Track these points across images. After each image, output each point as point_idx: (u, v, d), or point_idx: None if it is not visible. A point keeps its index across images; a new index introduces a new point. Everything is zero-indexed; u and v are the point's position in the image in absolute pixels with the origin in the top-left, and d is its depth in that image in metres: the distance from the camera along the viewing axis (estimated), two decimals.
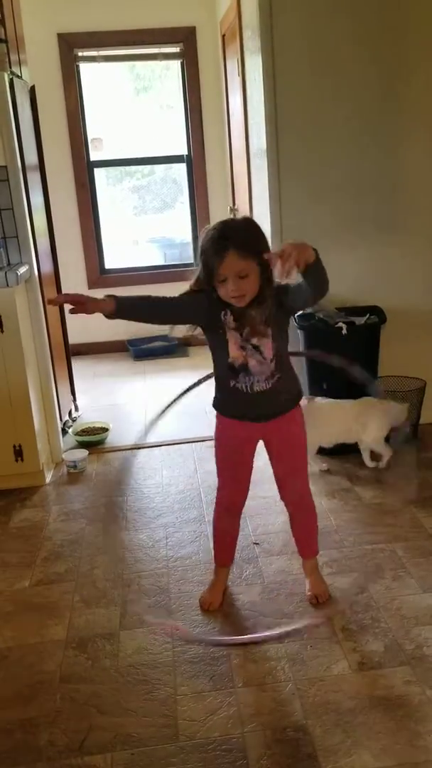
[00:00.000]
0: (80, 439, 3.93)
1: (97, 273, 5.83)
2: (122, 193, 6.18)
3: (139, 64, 5.84)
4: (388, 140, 3.49)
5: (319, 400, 3.32)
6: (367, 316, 3.37)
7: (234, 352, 2.12)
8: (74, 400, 4.41)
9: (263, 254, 1.93)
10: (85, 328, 5.04)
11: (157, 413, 2.44)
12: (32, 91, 3.85)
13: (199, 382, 2.40)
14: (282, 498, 2.42)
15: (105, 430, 4.00)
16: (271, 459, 2.36)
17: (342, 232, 3.56)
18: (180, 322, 2.18)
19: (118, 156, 5.87)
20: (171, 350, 5.62)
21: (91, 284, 5.73)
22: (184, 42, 5.49)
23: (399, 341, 3.58)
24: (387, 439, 3.34)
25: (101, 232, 5.87)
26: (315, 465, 3.40)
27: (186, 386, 2.39)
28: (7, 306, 3.19)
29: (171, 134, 5.82)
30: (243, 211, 4.64)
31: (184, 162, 5.84)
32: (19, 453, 3.37)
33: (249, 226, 2.07)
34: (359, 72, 3.41)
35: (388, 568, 2.58)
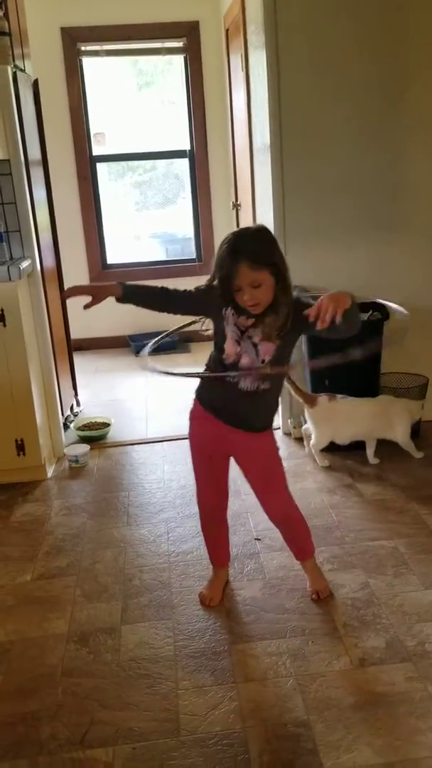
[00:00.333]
0: (82, 434, 3.93)
1: (99, 268, 5.83)
2: (124, 188, 6.17)
3: (141, 59, 5.83)
4: (390, 139, 3.49)
5: (340, 398, 3.34)
6: (370, 312, 3.36)
7: (229, 348, 2.12)
8: (76, 395, 4.41)
9: (305, 311, 1.93)
10: (86, 323, 5.04)
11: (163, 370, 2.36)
12: (35, 85, 3.84)
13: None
14: (267, 515, 2.41)
15: (107, 425, 4.00)
16: (246, 478, 2.36)
17: (345, 230, 3.56)
18: (182, 312, 2.20)
19: (120, 151, 5.86)
20: (173, 346, 5.61)
21: (93, 279, 5.72)
22: (187, 37, 5.48)
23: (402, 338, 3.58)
24: None
25: (103, 227, 5.87)
26: (320, 461, 3.42)
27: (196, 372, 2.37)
28: (10, 300, 3.19)
29: (173, 130, 5.81)
30: (245, 207, 4.64)
31: (186, 157, 5.83)
32: (21, 447, 3.37)
33: (260, 236, 2.07)
34: (362, 70, 3.40)
35: (389, 564, 2.58)
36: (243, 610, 2.39)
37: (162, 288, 2.15)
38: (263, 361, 2.11)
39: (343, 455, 3.47)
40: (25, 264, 3.31)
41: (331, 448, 3.45)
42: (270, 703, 1.97)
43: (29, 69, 3.86)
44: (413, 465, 3.38)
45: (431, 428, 3.69)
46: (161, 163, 6.09)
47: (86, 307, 2.06)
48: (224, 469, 2.35)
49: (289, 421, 3.79)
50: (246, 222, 4.66)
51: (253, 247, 2.00)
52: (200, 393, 2.29)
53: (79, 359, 4.68)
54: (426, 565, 2.56)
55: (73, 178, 5.61)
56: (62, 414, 3.85)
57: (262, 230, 2.11)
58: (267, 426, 2.28)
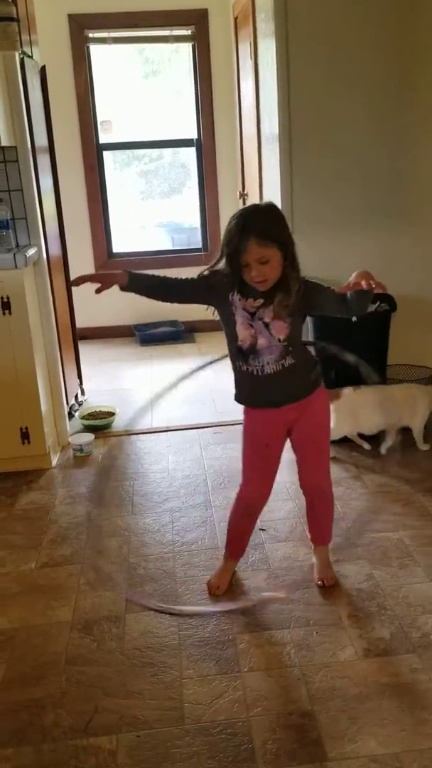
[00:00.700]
0: (87, 423, 3.92)
1: (105, 257, 5.81)
2: (130, 177, 6.15)
3: (148, 47, 5.79)
4: (400, 128, 3.47)
5: (364, 388, 3.33)
6: (378, 303, 3.35)
7: (242, 333, 2.13)
8: (81, 384, 4.40)
9: (331, 288, 2.01)
10: (91, 312, 5.03)
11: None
12: (42, 72, 3.82)
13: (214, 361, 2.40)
14: (301, 485, 2.42)
15: (111, 414, 4.00)
16: (293, 445, 2.35)
17: (353, 219, 3.55)
18: (188, 301, 2.20)
19: (126, 139, 5.83)
20: (177, 336, 5.61)
21: (99, 268, 5.71)
22: (195, 25, 5.44)
23: (409, 330, 3.57)
24: None
25: (109, 216, 5.84)
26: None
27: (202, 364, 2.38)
28: (15, 288, 3.18)
29: (181, 118, 5.78)
30: (252, 197, 4.62)
31: (193, 146, 5.80)
32: (25, 435, 3.37)
33: (269, 213, 2.08)
34: (372, 58, 3.38)
35: (394, 556, 2.58)
36: (247, 600, 2.39)
37: (165, 276, 2.17)
38: (279, 340, 2.12)
39: (349, 447, 3.46)
40: (31, 252, 3.30)
41: (338, 440, 3.43)
42: (274, 692, 1.97)
43: (36, 55, 3.83)
44: (419, 457, 3.37)
45: None
46: (167, 152, 6.06)
47: (98, 291, 2.07)
48: (277, 459, 2.34)
49: None
50: None
51: (262, 223, 2.01)
52: (240, 398, 2.29)
53: (83, 348, 4.67)
54: (431, 557, 2.55)
55: (80, 166, 5.59)
56: (67, 403, 3.85)
57: (271, 207, 2.12)
58: (315, 385, 2.26)
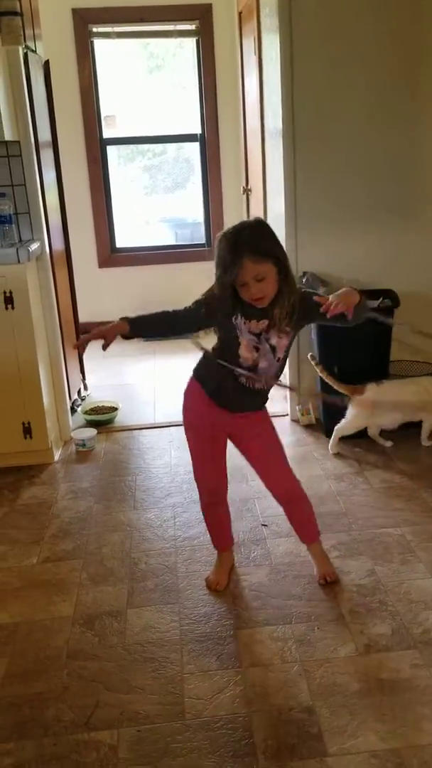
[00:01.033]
0: (89, 417, 3.93)
1: (108, 252, 5.80)
2: (134, 172, 6.14)
3: (152, 42, 5.77)
4: (405, 123, 3.45)
5: (386, 382, 3.33)
6: (381, 299, 3.34)
7: (246, 353, 2.14)
8: (83, 378, 4.41)
9: (314, 298, 2.02)
10: (94, 307, 5.02)
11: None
12: (46, 66, 3.81)
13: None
14: (273, 494, 2.41)
15: (114, 409, 4.00)
16: (251, 462, 2.37)
17: (356, 215, 3.53)
18: (193, 330, 2.22)
19: (130, 134, 5.82)
20: None
21: (102, 263, 5.70)
22: (200, 19, 5.42)
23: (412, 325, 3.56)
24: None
25: (113, 211, 5.84)
26: (332, 447, 3.40)
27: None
28: (18, 283, 3.18)
29: (185, 113, 5.77)
30: (256, 192, 4.61)
31: (197, 141, 5.78)
32: (28, 430, 3.37)
33: (259, 228, 2.07)
34: (377, 52, 3.36)
35: (396, 552, 2.58)
36: (249, 596, 2.39)
37: (164, 312, 2.14)
38: (278, 359, 2.15)
39: (352, 443, 3.45)
40: (34, 246, 3.30)
41: (342, 437, 3.42)
42: (275, 688, 1.97)
43: (40, 50, 3.83)
44: (421, 453, 3.36)
45: None
46: (171, 147, 6.05)
47: (105, 347, 2.07)
48: (223, 448, 2.35)
49: (297, 408, 3.78)
50: (257, 206, 4.63)
51: (253, 239, 2.01)
52: (200, 374, 2.29)
53: None
54: None
55: (83, 161, 5.58)
56: (69, 398, 3.85)
57: (260, 222, 2.13)
58: (262, 406, 2.31)
